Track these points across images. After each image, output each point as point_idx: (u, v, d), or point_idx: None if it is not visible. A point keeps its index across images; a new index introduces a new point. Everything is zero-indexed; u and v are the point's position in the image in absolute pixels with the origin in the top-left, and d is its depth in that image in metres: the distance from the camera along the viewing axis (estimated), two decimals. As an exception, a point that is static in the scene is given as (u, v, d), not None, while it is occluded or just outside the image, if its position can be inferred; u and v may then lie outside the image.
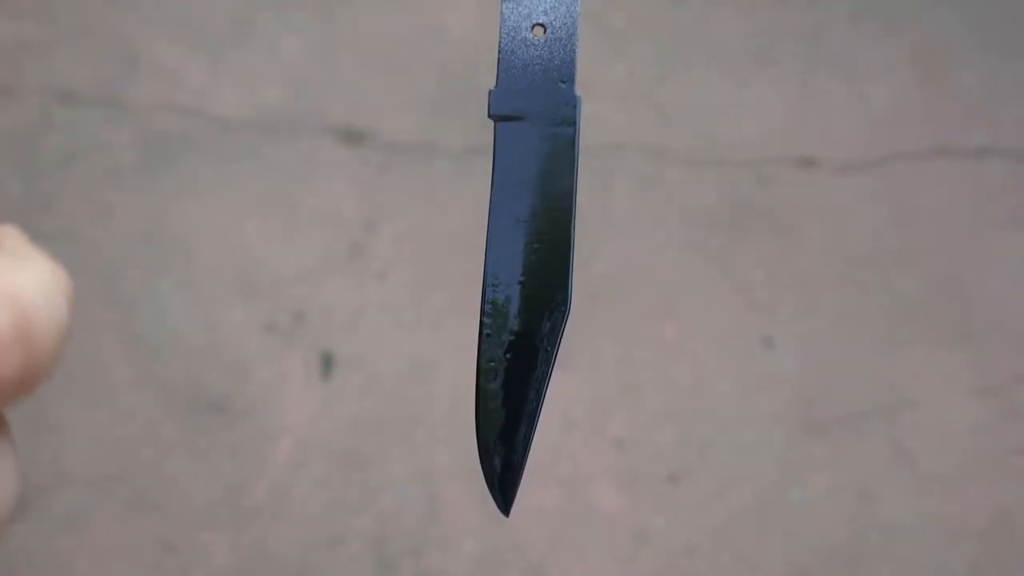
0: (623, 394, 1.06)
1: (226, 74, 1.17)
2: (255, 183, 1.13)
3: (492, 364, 0.33)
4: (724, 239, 1.13)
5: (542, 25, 0.34)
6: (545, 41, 0.34)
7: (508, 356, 0.33)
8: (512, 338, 0.33)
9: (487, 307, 0.33)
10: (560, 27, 0.34)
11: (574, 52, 0.34)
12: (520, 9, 0.34)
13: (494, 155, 0.34)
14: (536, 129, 0.34)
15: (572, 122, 0.34)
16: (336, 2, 1.22)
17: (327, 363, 1.06)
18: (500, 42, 0.34)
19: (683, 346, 1.08)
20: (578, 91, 0.34)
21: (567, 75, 0.34)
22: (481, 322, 0.33)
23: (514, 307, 0.33)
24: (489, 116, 0.34)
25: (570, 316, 0.34)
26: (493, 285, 0.33)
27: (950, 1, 1.26)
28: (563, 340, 0.33)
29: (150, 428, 1.02)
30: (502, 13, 0.34)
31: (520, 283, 0.33)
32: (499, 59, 0.34)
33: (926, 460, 1.05)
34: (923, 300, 1.11)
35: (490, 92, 0.34)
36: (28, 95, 1.15)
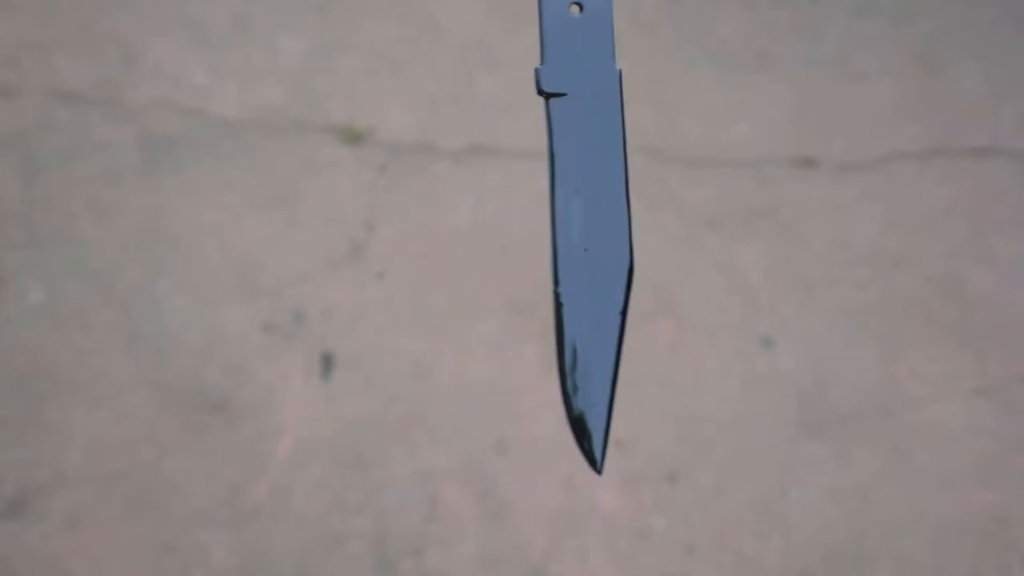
0: (623, 394, 1.06)
1: (226, 74, 1.17)
2: (255, 183, 1.13)
3: (571, 332, 0.35)
4: (724, 239, 1.13)
5: (578, 3, 0.36)
6: (583, 18, 0.36)
7: (583, 322, 0.35)
8: (585, 304, 0.35)
9: (559, 277, 0.35)
10: (596, 3, 0.36)
11: (611, 26, 0.36)
12: None
13: (549, 131, 0.36)
14: (583, 103, 0.36)
15: (616, 93, 0.36)
16: (336, 2, 1.22)
17: (327, 363, 1.06)
18: (541, 21, 0.36)
19: (683, 346, 1.08)
20: (618, 64, 0.36)
21: (607, 49, 0.36)
22: (555, 292, 0.35)
23: (583, 275, 0.35)
24: (539, 93, 0.36)
25: None
26: (562, 256, 0.35)
27: (950, 1, 1.26)
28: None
29: (150, 428, 1.02)
30: None
31: (586, 250, 0.35)
32: (542, 38, 0.36)
33: (926, 460, 1.05)
34: (923, 300, 1.11)
35: (537, 70, 0.36)
36: (28, 95, 1.15)
